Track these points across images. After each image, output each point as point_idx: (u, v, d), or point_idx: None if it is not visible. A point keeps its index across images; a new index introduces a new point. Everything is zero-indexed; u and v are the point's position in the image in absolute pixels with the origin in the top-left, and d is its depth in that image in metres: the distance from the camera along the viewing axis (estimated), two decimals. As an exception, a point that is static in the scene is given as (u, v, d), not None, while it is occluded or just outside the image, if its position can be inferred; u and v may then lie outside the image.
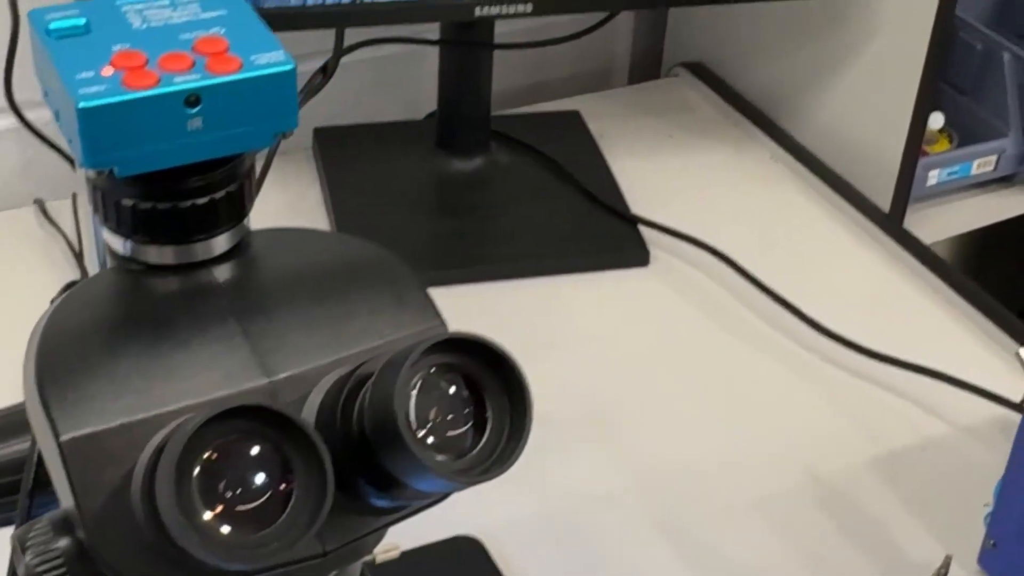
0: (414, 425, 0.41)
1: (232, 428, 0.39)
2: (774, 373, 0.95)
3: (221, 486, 0.39)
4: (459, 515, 0.79)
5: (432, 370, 0.41)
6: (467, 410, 0.42)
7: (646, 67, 1.32)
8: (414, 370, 0.40)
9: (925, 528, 0.83)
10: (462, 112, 1.08)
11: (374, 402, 0.40)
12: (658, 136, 1.18)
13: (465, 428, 0.42)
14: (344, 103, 1.16)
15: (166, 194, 0.45)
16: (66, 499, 0.44)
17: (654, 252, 1.04)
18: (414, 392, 0.41)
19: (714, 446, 0.89)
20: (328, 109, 1.13)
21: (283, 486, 0.40)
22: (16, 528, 0.53)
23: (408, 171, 1.09)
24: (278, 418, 0.40)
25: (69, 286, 0.73)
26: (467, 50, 1.04)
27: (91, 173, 0.43)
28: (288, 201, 1.07)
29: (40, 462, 0.54)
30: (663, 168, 1.14)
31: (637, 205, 1.08)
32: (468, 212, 1.07)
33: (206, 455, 0.39)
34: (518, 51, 1.08)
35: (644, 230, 1.05)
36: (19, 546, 0.45)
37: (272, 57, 0.44)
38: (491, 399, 0.42)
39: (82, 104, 0.42)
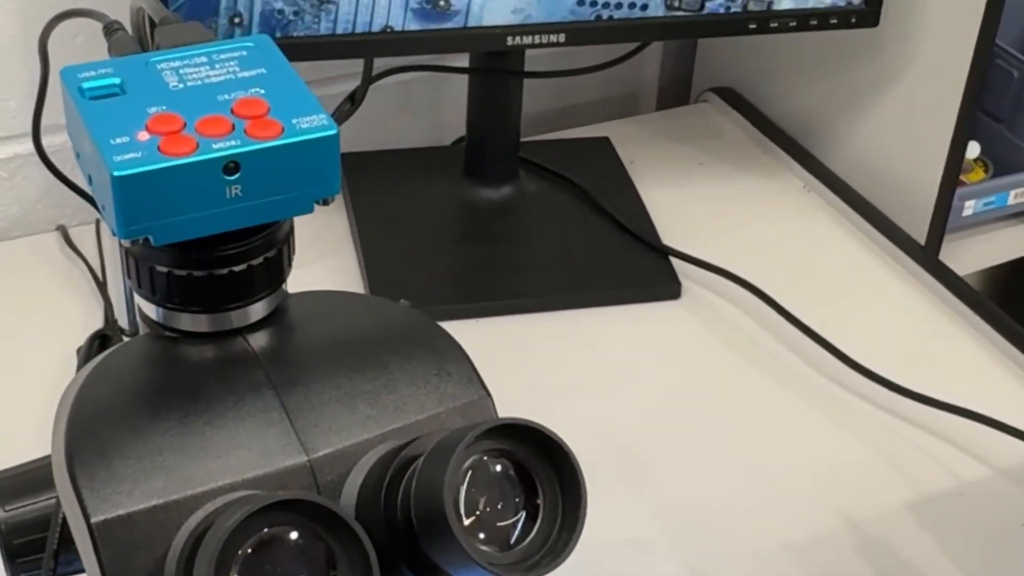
0: (463, 515, 0.39)
1: (273, 520, 0.38)
2: (808, 412, 0.93)
3: (262, 583, 0.38)
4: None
5: (483, 456, 0.40)
6: (517, 499, 0.40)
7: (675, 92, 1.30)
8: (465, 455, 0.38)
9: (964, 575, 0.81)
10: (491, 140, 1.06)
11: (421, 488, 0.39)
12: (688, 164, 1.16)
13: (515, 518, 0.40)
14: (371, 128, 1.15)
15: (202, 262, 0.43)
16: (95, 579, 0.42)
17: (686, 284, 1.02)
18: (465, 480, 0.39)
19: (745, 487, 0.87)
20: (355, 134, 1.11)
21: (327, 582, 0.38)
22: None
23: (435, 198, 1.08)
24: (321, 511, 0.38)
25: (96, 336, 0.72)
26: (497, 78, 1.03)
27: (126, 242, 0.41)
28: (315, 229, 1.05)
29: (64, 521, 0.52)
30: (693, 197, 1.12)
31: (668, 235, 1.06)
32: (496, 242, 1.06)
33: (245, 551, 0.37)
34: (541, 78, 1.06)
35: (675, 261, 1.03)
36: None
37: (314, 121, 0.43)
38: (543, 487, 0.40)
39: (117, 172, 0.40)
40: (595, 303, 1.01)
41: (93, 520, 0.40)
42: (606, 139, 1.16)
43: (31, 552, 0.54)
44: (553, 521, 0.40)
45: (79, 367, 0.85)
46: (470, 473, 0.39)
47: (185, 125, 0.42)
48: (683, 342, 0.99)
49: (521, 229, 1.07)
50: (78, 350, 0.83)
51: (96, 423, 0.43)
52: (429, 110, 1.19)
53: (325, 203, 0.43)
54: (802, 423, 0.92)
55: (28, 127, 0.97)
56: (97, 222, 1.04)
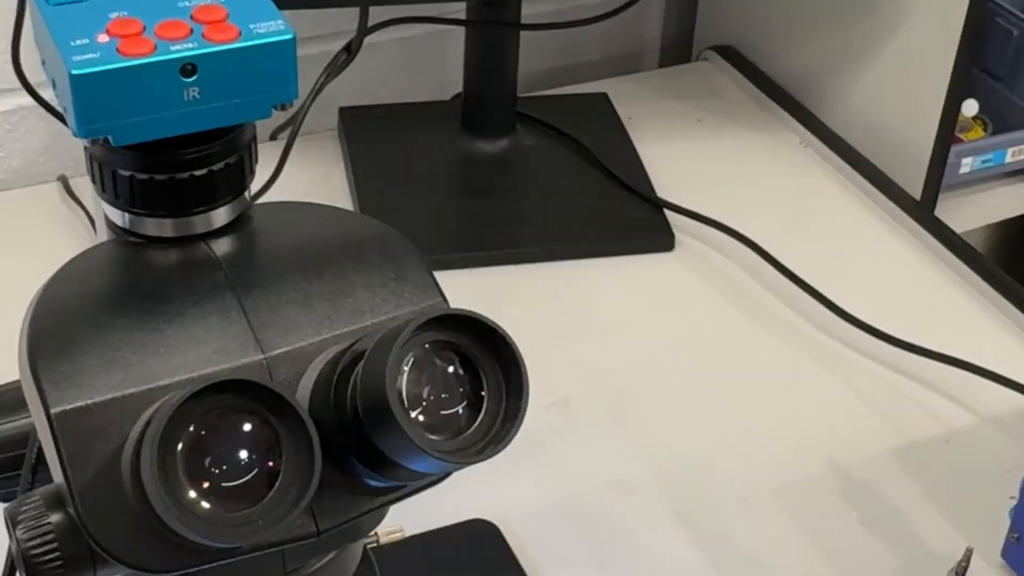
0: (406, 404, 0.40)
1: (219, 403, 0.39)
2: (798, 361, 0.93)
3: (207, 462, 0.39)
4: (474, 499, 0.79)
5: (426, 347, 0.40)
6: (462, 389, 0.41)
7: (676, 51, 1.31)
8: (407, 347, 0.39)
9: (948, 521, 0.81)
10: (488, 93, 1.07)
11: (366, 379, 0.39)
12: (687, 120, 1.17)
13: (459, 407, 0.41)
14: (370, 83, 1.16)
15: (164, 165, 0.44)
16: (57, 473, 0.43)
17: (680, 237, 1.03)
18: (406, 369, 0.40)
19: (734, 434, 0.88)
20: (353, 89, 1.12)
21: (271, 463, 0.39)
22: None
23: (433, 152, 1.09)
24: (266, 393, 0.39)
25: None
26: (494, 30, 1.03)
27: (86, 142, 0.42)
28: (313, 181, 1.06)
29: (43, 436, 0.53)
30: (691, 153, 1.13)
31: (664, 189, 1.06)
32: (492, 194, 1.06)
33: (192, 430, 0.38)
34: (546, 33, 1.06)
35: (670, 215, 1.04)
36: (11, 521, 0.44)
37: (272, 26, 0.43)
38: (487, 378, 0.41)
39: (75, 71, 0.41)
40: (589, 254, 1.01)
41: (53, 411, 0.41)
42: (604, 95, 1.16)
43: (9, 468, 0.55)
44: (496, 411, 0.41)
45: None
46: (413, 363, 0.40)
47: (144, 28, 0.43)
48: (676, 293, 0.99)
49: (517, 182, 1.07)
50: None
51: (58, 320, 0.44)
52: (430, 67, 1.20)
53: (283, 108, 0.44)
54: (792, 372, 0.93)
55: (31, 79, 0.98)
56: (97, 172, 1.05)
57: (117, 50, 0.42)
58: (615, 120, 1.14)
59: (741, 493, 0.84)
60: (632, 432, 0.88)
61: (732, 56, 1.24)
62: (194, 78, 0.42)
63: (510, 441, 0.40)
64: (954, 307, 0.99)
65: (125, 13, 0.43)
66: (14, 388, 0.57)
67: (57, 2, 0.44)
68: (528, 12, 1.04)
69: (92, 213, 1.01)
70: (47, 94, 0.96)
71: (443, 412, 0.40)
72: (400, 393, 0.40)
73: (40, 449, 0.54)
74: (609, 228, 1.03)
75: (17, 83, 1.05)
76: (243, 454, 0.39)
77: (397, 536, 0.59)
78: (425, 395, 0.40)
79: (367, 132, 1.09)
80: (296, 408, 0.39)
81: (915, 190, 1.08)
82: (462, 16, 1.04)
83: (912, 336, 0.93)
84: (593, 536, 0.81)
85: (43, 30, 0.44)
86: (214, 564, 0.42)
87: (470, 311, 0.40)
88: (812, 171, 1.12)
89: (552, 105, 1.14)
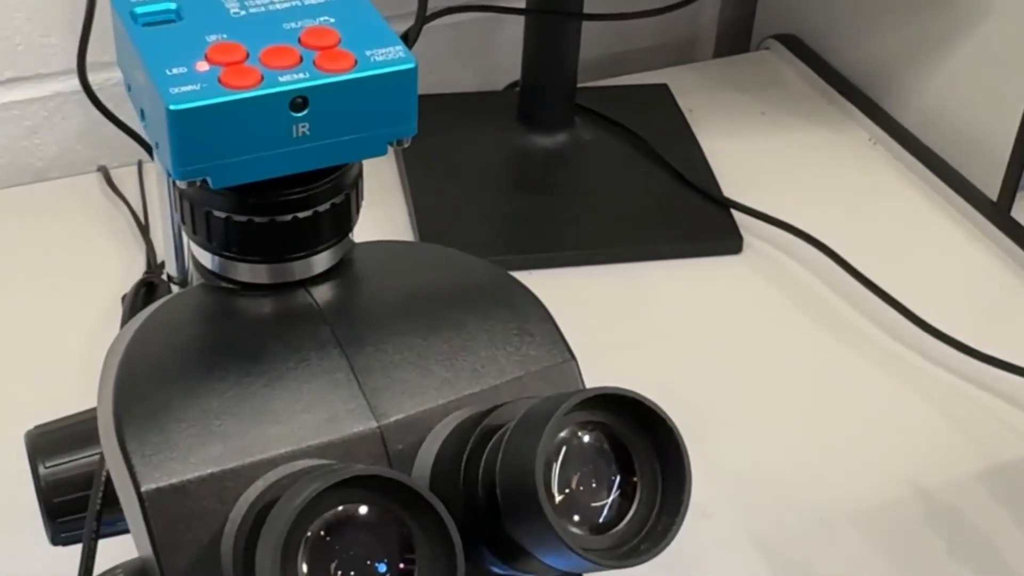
0: (555, 493, 0.35)
1: (343, 497, 0.34)
2: (874, 374, 0.89)
3: (332, 567, 0.34)
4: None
5: (576, 429, 0.36)
6: (612, 477, 0.36)
7: (734, 38, 1.26)
8: (559, 426, 0.34)
9: (1043, 553, 0.77)
10: (546, 85, 1.02)
11: (508, 462, 0.35)
12: (750, 113, 1.12)
13: (610, 499, 0.36)
14: (422, 70, 1.10)
15: (264, 207, 0.39)
16: (145, 551, 0.39)
17: (747, 238, 0.98)
18: (559, 455, 0.35)
19: (809, 452, 0.84)
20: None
21: (402, 566, 0.35)
22: (83, 556, 0.49)
23: (487, 145, 1.04)
24: (399, 487, 0.34)
25: (142, 283, 0.69)
26: (554, 20, 0.98)
27: (182, 184, 0.38)
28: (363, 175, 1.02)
29: (108, 480, 0.49)
30: (755, 148, 1.08)
31: (729, 187, 1.02)
32: (549, 191, 1.02)
33: (313, 531, 0.34)
34: (601, 21, 1.02)
35: (736, 214, 0.99)
36: (91, 600, 0.40)
37: (391, 53, 0.39)
38: (640, 465, 0.36)
39: (173, 106, 0.36)
40: (653, 256, 0.97)
41: (144, 488, 0.37)
42: (664, 86, 1.12)
43: (72, 511, 0.51)
44: (652, 503, 0.36)
45: (125, 316, 0.81)
46: (564, 448, 0.35)
47: (248, 55, 0.38)
48: (745, 298, 0.95)
49: (576, 178, 1.03)
50: (123, 298, 0.80)
51: (147, 382, 0.39)
52: (482, 55, 1.15)
53: (399, 144, 0.40)
54: (868, 384, 0.88)
55: (69, 64, 0.94)
56: (139, 163, 1.01)
57: (219, 81, 0.37)
58: (677, 113, 1.09)
59: (820, 515, 0.80)
60: (701, 448, 0.82)
61: (795, 46, 1.18)
62: (305, 112, 0.37)
63: (671, 541, 0.35)
64: (1035, 316, 0.95)
65: (225, 36, 0.38)
66: (74, 424, 0.54)
67: (147, 22, 0.39)
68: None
69: (134, 207, 0.97)
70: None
71: (592, 503, 0.36)
72: (549, 482, 0.35)
73: (104, 493, 0.50)
74: (673, 228, 0.99)
75: (54, 68, 1.02)
76: (374, 558, 0.34)
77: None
78: (573, 484, 0.36)
79: (420, 124, 1.04)
80: (437, 509, 0.34)
81: (992, 191, 1.03)
82: (521, 4, 0.99)
83: (991, 346, 0.89)
84: (665, 560, 0.77)
85: (130, 52, 0.39)
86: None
87: (631, 391, 0.35)
88: (882, 169, 1.07)
89: (611, 97, 1.09)
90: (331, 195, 0.40)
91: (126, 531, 0.46)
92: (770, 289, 0.96)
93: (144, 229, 0.94)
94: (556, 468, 0.35)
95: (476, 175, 1.01)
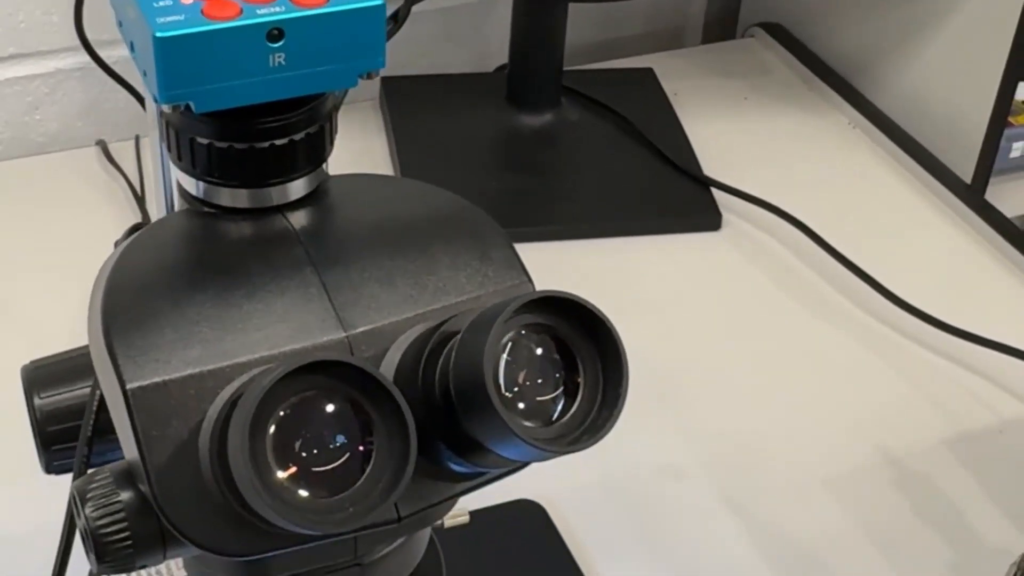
0: (503, 387, 0.38)
1: (310, 384, 0.37)
2: (846, 346, 0.92)
3: (297, 445, 0.37)
4: (521, 479, 0.77)
5: (522, 331, 0.39)
6: (557, 375, 0.39)
7: (721, 26, 1.29)
8: (505, 328, 0.38)
9: (1004, 514, 0.80)
10: (533, 66, 1.05)
11: (461, 361, 0.38)
12: (733, 98, 1.15)
13: (555, 394, 0.39)
14: (411, 53, 1.14)
15: (243, 134, 0.42)
16: (130, 450, 0.42)
17: (726, 216, 1.01)
18: (504, 353, 0.38)
19: (782, 419, 0.86)
20: (397, 59, 1.10)
21: (361, 448, 0.38)
22: (74, 478, 0.52)
23: (476, 125, 1.07)
24: (360, 374, 0.37)
25: (134, 228, 0.72)
26: (541, 3, 1.01)
27: (166, 108, 0.41)
28: (354, 152, 1.05)
29: (100, 409, 0.52)
30: (737, 131, 1.11)
31: (710, 168, 1.05)
32: (536, 169, 1.05)
33: (281, 412, 0.37)
34: (590, 5, 1.05)
35: (716, 194, 1.02)
36: (79, 498, 0.43)
37: (361, -9, 0.42)
38: (584, 364, 0.39)
39: (159, 33, 0.39)
40: (634, 232, 1.00)
41: (129, 386, 0.40)
42: (650, 70, 1.14)
43: (65, 440, 0.53)
44: (593, 398, 0.39)
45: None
46: (509, 347, 0.39)
47: (230, -9, 0.41)
48: (723, 273, 0.98)
49: (562, 157, 1.06)
50: (116, 243, 0.83)
51: (134, 293, 0.42)
52: (471, 38, 1.18)
53: (369, 76, 0.43)
54: (841, 357, 0.91)
55: (70, 42, 0.97)
56: (136, 138, 1.04)
57: (202, 12, 0.40)
58: (661, 96, 1.12)
59: (791, 480, 0.82)
60: (678, 415, 0.86)
61: (779, 33, 1.21)
62: (281, 43, 0.41)
63: (608, 431, 0.38)
64: (1005, 292, 0.97)
65: (210, -25, 0.41)
66: (69, 358, 0.56)
67: (138, -39, 0.42)
68: (576, -16, 1.02)
69: (131, 179, 1.00)
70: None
71: (538, 398, 0.39)
72: (497, 376, 0.38)
73: (96, 422, 0.52)
74: (654, 206, 1.02)
75: (55, 45, 1.04)
76: (335, 437, 0.37)
77: (462, 520, 0.58)
78: (520, 380, 0.39)
79: (410, 103, 1.08)
80: (391, 390, 0.37)
81: (966, 174, 1.06)
82: (510, -14, 1.02)
83: (962, 321, 0.92)
84: (640, 519, 0.80)
85: (121, -11, 0.42)
86: (289, 549, 0.41)
87: (571, 294, 0.38)
88: (861, 152, 1.10)
89: (597, 79, 1.12)
90: (306, 125, 0.43)
91: (113, 460, 0.49)
92: (747, 265, 0.98)
93: (140, 199, 0.97)
94: (502, 365, 0.38)
95: (465, 153, 1.04)
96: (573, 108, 1.08)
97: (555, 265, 0.97)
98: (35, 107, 1.06)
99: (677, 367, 0.90)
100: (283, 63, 0.41)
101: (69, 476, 0.54)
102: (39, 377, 0.54)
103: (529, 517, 0.78)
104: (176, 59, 0.40)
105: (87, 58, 1.02)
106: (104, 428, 0.51)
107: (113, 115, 1.07)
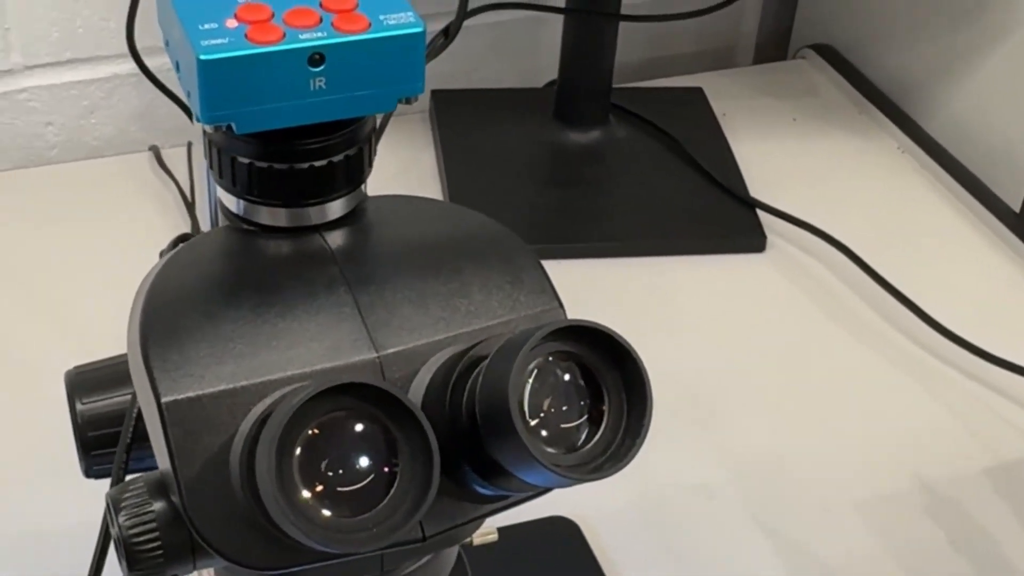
0: (527, 414, 0.39)
1: (338, 404, 0.38)
2: (886, 370, 0.92)
3: (323, 465, 0.38)
4: (555, 496, 0.77)
5: (549, 357, 0.39)
6: (582, 402, 0.40)
7: (772, 47, 1.29)
8: (531, 356, 0.38)
9: (1039, 545, 0.80)
10: (582, 83, 1.06)
11: (487, 386, 0.38)
12: (782, 119, 1.15)
13: (579, 421, 0.40)
14: (461, 66, 1.15)
15: (283, 154, 0.43)
16: (163, 462, 0.42)
17: (771, 238, 1.01)
18: (530, 379, 0.39)
19: (818, 443, 0.86)
20: (446, 72, 1.11)
21: (387, 469, 0.38)
22: (112, 484, 0.53)
23: (524, 140, 1.07)
24: (387, 397, 0.38)
25: (180, 239, 0.73)
26: (592, 20, 1.02)
27: (208, 128, 0.42)
28: (402, 164, 1.06)
29: (139, 416, 0.53)
30: (785, 152, 1.11)
31: (756, 189, 1.05)
32: (581, 185, 1.05)
33: (309, 431, 0.38)
34: (641, 24, 1.05)
35: (762, 215, 1.02)
36: (113, 506, 0.44)
37: (402, 18, 0.42)
38: (609, 393, 0.40)
39: (203, 56, 0.40)
40: (678, 251, 1.00)
41: (163, 400, 0.41)
42: (699, 89, 1.15)
43: (105, 445, 0.55)
44: (617, 427, 0.40)
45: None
46: (535, 373, 0.39)
47: (273, 15, 0.42)
48: (765, 295, 0.98)
49: (608, 174, 1.06)
50: (161, 252, 0.84)
51: (171, 307, 0.43)
52: (522, 53, 1.18)
53: (408, 102, 0.43)
54: (880, 382, 0.91)
55: (126, 48, 0.99)
56: (188, 144, 1.05)
57: (246, 36, 0.41)
58: (710, 116, 1.12)
59: (824, 504, 0.82)
60: (714, 435, 0.86)
61: (830, 55, 1.21)
62: (322, 68, 0.41)
63: (631, 459, 0.39)
64: (1051, 324, 0.97)
65: (254, -2, 0.42)
66: (111, 365, 0.57)
67: (184, -17, 0.43)
68: (627, 1, 1.03)
69: (183, 185, 1.02)
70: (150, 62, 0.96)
71: (562, 425, 0.39)
72: (522, 402, 0.38)
73: (135, 429, 0.53)
74: (699, 226, 1.02)
75: (112, 51, 1.06)
76: (361, 458, 0.38)
77: (491, 538, 0.58)
78: (545, 406, 0.39)
79: (459, 116, 1.08)
80: (416, 413, 0.38)
81: (1015, 201, 1.05)
82: (561, 4, 1.03)
83: (1006, 351, 0.91)
84: (672, 538, 0.80)
85: (169, 11, 0.43)
86: (315, 565, 0.42)
87: (599, 324, 0.39)
88: (909, 177, 1.10)
89: (646, 97, 1.12)
90: (345, 147, 0.44)
91: (152, 467, 0.50)
92: (790, 287, 0.98)
93: (190, 206, 0.99)
94: (528, 391, 0.39)
95: (511, 167, 1.05)
96: (621, 126, 1.08)
97: (598, 282, 0.97)
98: (91, 111, 1.08)
99: (715, 387, 0.90)
100: (323, 87, 0.42)
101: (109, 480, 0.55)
102: (81, 383, 0.55)
103: (562, 534, 0.78)
104: (219, 81, 0.41)
105: (153, 62, 1.04)
106: (144, 435, 0.52)
107: (167, 120, 1.09)
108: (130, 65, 1.06)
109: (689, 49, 1.26)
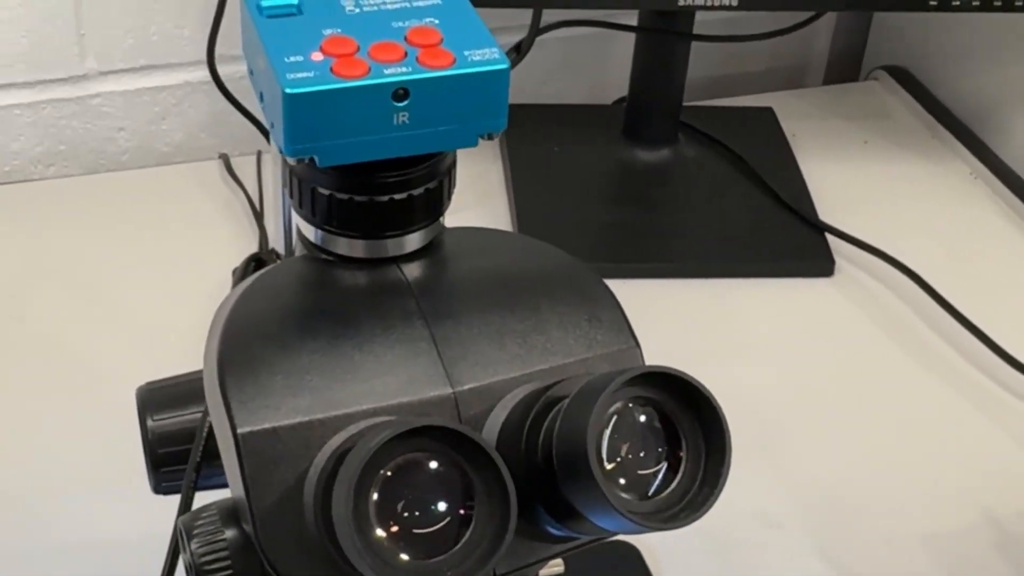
0: (605, 459, 0.38)
1: (414, 445, 0.38)
2: (955, 402, 0.90)
3: (399, 507, 0.38)
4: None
5: (628, 403, 0.39)
6: (660, 448, 0.39)
7: (844, 68, 1.27)
8: (611, 400, 0.38)
9: (1110, 587, 0.78)
10: (652, 101, 1.05)
11: (565, 429, 0.38)
12: (852, 141, 1.14)
13: (656, 468, 0.39)
14: (530, 81, 1.15)
15: (364, 187, 0.43)
16: (237, 490, 0.43)
17: (839, 263, 1.00)
18: (608, 425, 0.38)
19: (885, 473, 0.85)
20: (516, 87, 1.10)
21: (462, 511, 0.38)
22: (181, 502, 0.53)
23: (592, 156, 1.07)
24: (464, 440, 0.38)
25: (252, 258, 0.73)
26: (664, 39, 1.01)
27: (291, 161, 0.42)
28: (469, 177, 1.05)
29: (209, 435, 0.53)
30: (855, 175, 1.10)
31: (826, 212, 1.04)
32: (649, 204, 1.05)
33: (386, 472, 0.37)
34: (712, 43, 1.04)
35: (830, 239, 1.01)
36: (185, 533, 0.44)
37: (487, 54, 0.42)
38: (687, 440, 0.39)
39: (289, 90, 0.40)
40: (745, 274, 0.99)
41: (240, 431, 0.41)
42: (769, 109, 1.14)
43: (174, 462, 0.55)
44: (695, 475, 0.39)
45: (234, 287, 0.86)
46: (614, 419, 0.39)
47: (358, 49, 0.42)
48: (832, 321, 0.97)
49: (676, 193, 1.05)
50: (234, 271, 0.85)
51: (248, 338, 0.43)
52: (591, 69, 1.18)
53: (490, 138, 0.43)
54: (949, 412, 0.90)
55: (199, 55, 1.00)
56: (258, 153, 1.06)
57: (331, 70, 0.41)
58: (779, 136, 1.11)
59: (891, 536, 0.81)
60: (778, 462, 0.85)
61: (903, 77, 1.20)
62: (406, 103, 0.41)
63: (708, 509, 0.38)
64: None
65: (340, 31, 0.42)
66: (182, 382, 0.58)
67: (271, 14, 0.43)
68: (699, 20, 1.02)
69: (251, 194, 1.02)
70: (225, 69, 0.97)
71: (639, 471, 0.39)
72: (600, 449, 0.38)
73: (205, 448, 0.54)
74: (767, 248, 1.01)
75: (184, 58, 1.07)
76: (437, 501, 0.38)
77: (556, 571, 0.58)
78: (623, 452, 0.39)
79: (527, 132, 1.08)
80: (496, 461, 0.37)
81: (1088, 232, 1.04)
82: (633, 22, 1.02)
83: (1077, 386, 0.90)
84: (734, 566, 0.79)
85: (255, 41, 0.43)
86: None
87: (679, 371, 0.39)
88: (981, 204, 1.08)
89: (715, 116, 1.11)
90: (425, 180, 0.44)
91: (221, 485, 0.50)
92: (858, 313, 0.97)
93: (259, 216, 0.99)
94: (607, 438, 0.39)
95: (578, 184, 1.05)
96: (690, 145, 1.08)
97: (662, 303, 0.97)
98: (162, 117, 1.09)
99: (780, 414, 0.89)
100: (407, 122, 0.42)
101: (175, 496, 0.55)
102: (153, 399, 0.56)
103: (623, 559, 0.77)
104: (304, 115, 0.41)
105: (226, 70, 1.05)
106: (213, 453, 0.53)
107: (236, 128, 1.09)
108: (202, 73, 1.07)
109: (759, 68, 1.25)
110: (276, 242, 0.94)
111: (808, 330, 0.96)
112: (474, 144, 0.43)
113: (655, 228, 1.02)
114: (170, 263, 0.97)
